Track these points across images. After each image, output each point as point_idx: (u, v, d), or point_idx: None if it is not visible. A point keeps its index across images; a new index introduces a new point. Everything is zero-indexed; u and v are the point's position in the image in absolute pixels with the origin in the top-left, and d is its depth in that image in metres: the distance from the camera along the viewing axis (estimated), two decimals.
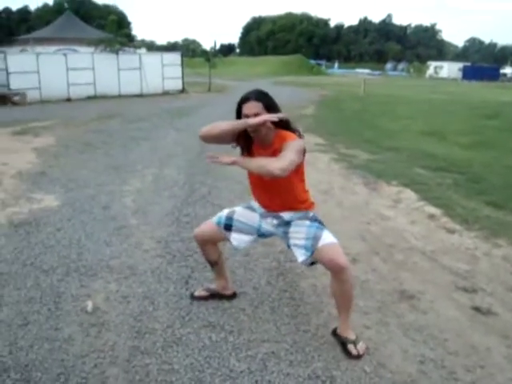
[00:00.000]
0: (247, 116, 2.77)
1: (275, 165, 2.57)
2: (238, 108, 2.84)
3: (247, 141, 2.92)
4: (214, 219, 3.23)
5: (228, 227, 3.16)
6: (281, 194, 2.95)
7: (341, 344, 2.90)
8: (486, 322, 3.24)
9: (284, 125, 2.85)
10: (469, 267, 4.06)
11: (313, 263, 2.94)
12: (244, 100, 2.81)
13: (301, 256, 2.91)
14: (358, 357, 2.81)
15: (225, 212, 3.24)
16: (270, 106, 2.80)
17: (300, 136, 2.89)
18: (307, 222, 2.95)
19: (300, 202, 3.00)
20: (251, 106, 2.77)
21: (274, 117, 2.70)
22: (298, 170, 2.88)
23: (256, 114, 2.74)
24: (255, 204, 3.16)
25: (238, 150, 3.03)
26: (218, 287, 3.47)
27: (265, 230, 3.13)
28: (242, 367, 2.72)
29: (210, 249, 3.30)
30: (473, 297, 3.56)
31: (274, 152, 2.76)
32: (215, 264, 3.39)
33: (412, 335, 3.06)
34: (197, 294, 3.49)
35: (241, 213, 3.18)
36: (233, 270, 3.90)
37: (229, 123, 2.78)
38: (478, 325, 3.20)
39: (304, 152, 2.84)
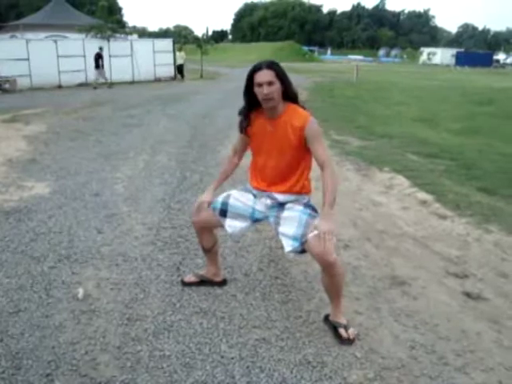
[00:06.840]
0: (260, 84, 2.75)
1: (335, 177, 2.78)
2: (249, 77, 2.81)
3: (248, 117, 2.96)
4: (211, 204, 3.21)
5: (223, 213, 3.10)
6: (284, 177, 2.95)
7: (332, 329, 2.91)
8: (476, 307, 3.25)
9: (293, 97, 2.85)
10: (460, 253, 4.07)
11: (303, 251, 2.86)
12: (256, 69, 2.78)
13: (288, 246, 2.85)
14: (349, 341, 2.81)
15: (220, 197, 3.18)
16: (282, 74, 2.78)
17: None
18: (300, 208, 2.91)
19: (299, 188, 2.98)
20: (263, 74, 2.74)
21: None
22: (309, 156, 2.92)
23: (269, 82, 2.73)
24: (250, 186, 3.14)
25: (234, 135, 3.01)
26: (208, 274, 3.46)
27: (258, 213, 3.07)
28: (233, 353, 2.72)
29: (207, 235, 3.29)
30: (464, 282, 3.57)
31: (283, 124, 2.77)
32: (208, 251, 3.37)
33: (403, 321, 3.07)
34: (186, 279, 3.49)
35: (236, 196, 3.13)
36: (224, 257, 3.89)
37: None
38: (468, 310, 3.21)
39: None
